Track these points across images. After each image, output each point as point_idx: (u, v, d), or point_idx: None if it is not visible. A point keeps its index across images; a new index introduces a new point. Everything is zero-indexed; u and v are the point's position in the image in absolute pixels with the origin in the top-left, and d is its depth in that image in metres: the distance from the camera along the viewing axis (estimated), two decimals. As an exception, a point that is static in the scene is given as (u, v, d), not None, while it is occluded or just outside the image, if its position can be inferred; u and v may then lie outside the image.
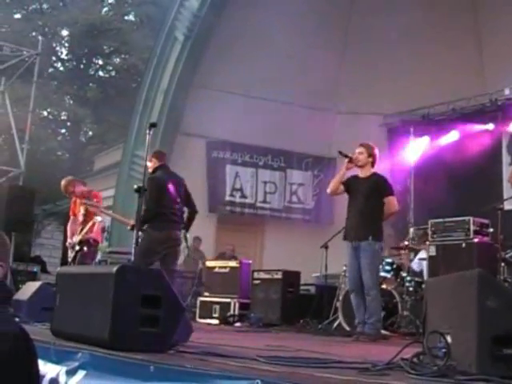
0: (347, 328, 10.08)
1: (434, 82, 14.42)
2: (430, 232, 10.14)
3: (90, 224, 9.35)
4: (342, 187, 8.66)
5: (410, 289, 10.18)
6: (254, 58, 14.41)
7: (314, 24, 14.74)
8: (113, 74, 32.54)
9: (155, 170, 8.67)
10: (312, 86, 15.26)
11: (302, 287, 12.10)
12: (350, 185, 8.63)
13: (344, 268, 11.24)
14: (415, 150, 15.26)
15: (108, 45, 30.79)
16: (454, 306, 3.97)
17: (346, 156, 8.59)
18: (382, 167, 15.44)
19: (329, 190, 8.90)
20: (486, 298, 3.56)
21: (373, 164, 8.69)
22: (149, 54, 17.12)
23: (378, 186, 8.52)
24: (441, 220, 10.06)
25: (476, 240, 9.56)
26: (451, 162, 13.77)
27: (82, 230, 9.46)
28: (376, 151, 8.72)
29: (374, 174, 8.66)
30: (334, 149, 15.89)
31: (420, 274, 10.51)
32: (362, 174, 8.67)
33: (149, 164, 8.52)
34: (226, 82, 14.64)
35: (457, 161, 13.74)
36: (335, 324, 10.45)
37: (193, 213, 9.08)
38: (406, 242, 11.23)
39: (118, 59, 32.02)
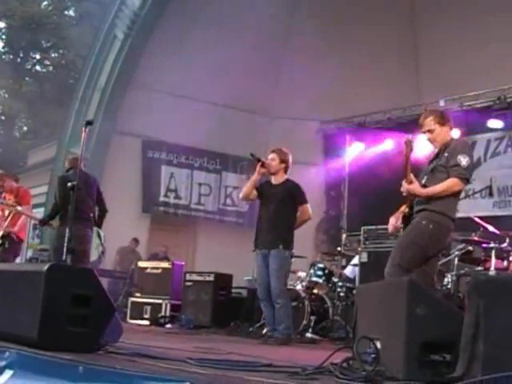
0: (278, 331, 10.12)
1: (371, 90, 14.57)
2: (362, 238, 10.24)
3: (11, 217, 9.30)
4: (254, 193, 8.51)
5: (342, 294, 10.28)
6: (193, 59, 14.34)
7: (254, 28, 14.73)
8: (50, 69, 32.06)
9: (69, 169, 8.81)
10: (250, 90, 15.27)
11: (233, 290, 12.10)
12: (263, 191, 8.50)
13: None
14: (350, 157, 15.40)
15: (46, 39, 30.31)
16: (383, 313, 4.02)
17: (259, 160, 8.42)
18: (316, 173, 15.83)
19: (241, 196, 8.80)
20: (415, 306, 3.61)
21: (286, 170, 8.54)
22: (87, 50, 16.91)
23: (292, 194, 8.39)
24: (373, 227, 10.18)
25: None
26: (385, 170, 13.89)
27: (5, 224, 9.41)
28: (289, 157, 8.57)
29: (288, 181, 8.52)
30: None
31: (353, 280, 10.60)
32: (275, 180, 8.54)
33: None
34: (164, 82, 14.53)
35: (391, 169, 13.87)
36: (266, 328, 10.46)
37: (103, 211, 9.00)
38: (339, 248, 11.33)
39: (55, 54, 31.56)
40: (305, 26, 15.19)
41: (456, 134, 13.48)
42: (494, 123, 13.21)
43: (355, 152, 15.35)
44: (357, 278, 10.22)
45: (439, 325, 3.65)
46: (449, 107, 13.74)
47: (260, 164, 8.39)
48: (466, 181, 6.00)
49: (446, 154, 6.06)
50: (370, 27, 15.03)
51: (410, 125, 14.00)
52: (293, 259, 8.51)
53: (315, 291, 10.64)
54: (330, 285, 10.64)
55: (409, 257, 6.00)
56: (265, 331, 8.37)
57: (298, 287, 10.52)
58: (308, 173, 15.45)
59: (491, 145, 13.56)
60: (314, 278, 10.75)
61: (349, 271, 11.02)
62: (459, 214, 12.73)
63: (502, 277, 7.21)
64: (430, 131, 6.23)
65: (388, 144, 14.54)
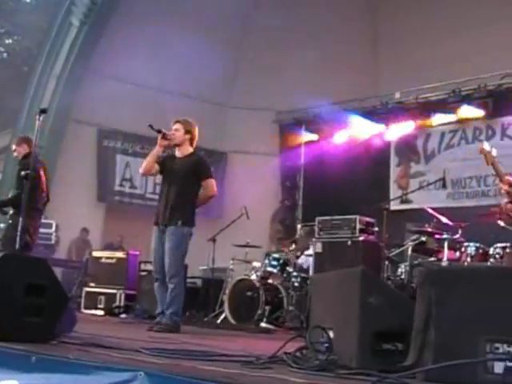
0: (233, 321, 10.17)
1: (328, 81, 14.60)
2: (317, 229, 10.29)
3: None
4: (157, 167, 7.91)
5: (296, 284, 10.31)
6: (151, 48, 14.28)
7: (213, 19, 14.70)
8: (4, 56, 31.53)
9: (26, 155, 8.49)
10: (206, 80, 15.23)
11: (188, 280, 12.07)
12: (165, 165, 7.94)
13: (231, 262, 11.33)
14: (306, 147, 15.45)
15: (0, 25, 29.79)
16: (337, 302, 4.05)
17: (159, 131, 7.82)
18: (272, 163, 15.88)
19: (141, 170, 8.15)
20: (368, 295, 3.65)
21: (191, 142, 8.00)
22: (43, 37, 16.67)
23: (195, 168, 7.82)
24: (328, 218, 10.23)
25: (361, 238, 9.78)
26: (341, 161, 14.02)
27: None
28: (195, 129, 8.01)
29: (193, 154, 8.00)
30: (226, 142, 16.11)
31: (307, 270, 10.65)
32: (179, 153, 7.99)
33: (16, 149, 8.69)
34: (120, 70, 14.40)
35: (346, 160, 14.01)
36: (221, 317, 10.49)
37: (47, 200, 8.76)
38: (294, 238, 11.39)
39: (10, 41, 31.04)
40: (265, 15, 15.17)
41: (410, 126, 13.77)
42: (449, 116, 13.34)
43: (311, 143, 15.38)
44: (311, 268, 10.27)
45: (392, 314, 3.69)
46: (404, 99, 13.93)
47: (161, 135, 7.83)
48: None
49: None
50: (331, 18, 15.08)
51: (367, 116, 14.16)
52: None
53: (270, 281, 10.67)
54: (285, 275, 10.69)
55: None
56: (157, 311, 7.70)
57: (253, 277, 10.55)
58: (264, 163, 15.57)
59: (445, 137, 13.72)
60: (269, 268, 10.80)
61: (303, 261, 11.06)
62: (413, 205, 13.05)
63: (453, 267, 7.30)
64: None
65: (344, 135, 14.62)
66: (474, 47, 13.44)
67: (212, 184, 7.91)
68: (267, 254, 11.24)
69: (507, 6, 13.26)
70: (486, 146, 6.16)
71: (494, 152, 6.15)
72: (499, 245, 9.21)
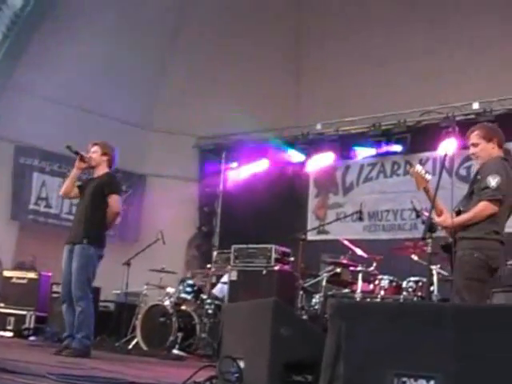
0: (145, 347, 10.09)
1: (251, 109, 14.63)
2: (232, 257, 10.32)
3: None
4: (76, 190, 7.98)
5: (210, 311, 10.30)
6: (72, 66, 14.12)
7: (137, 41, 14.63)
8: None
9: None
10: (128, 101, 15.13)
11: (101, 303, 11.94)
12: (84, 188, 7.98)
13: (145, 287, 11.25)
14: (225, 174, 15.42)
15: None
16: (249, 333, 4.07)
17: (77, 153, 7.85)
18: (191, 188, 15.85)
19: (60, 192, 8.22)
20: (279, 326, 3.68)
21: (109, 164, 8.05)
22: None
23: (102, 185, 7.81)
24: (244, 246, 10.29)
25: (277, 268, 9.85)
26: (260, 189, 14.04)
27: None
28: (114, 152, 8.09)
29: (106, 174, 7.98)
30: (146, 165, 16.00)
31: (222, 298, 10.65)
32: (96, 175, 8.02)
33: None
34: (40, 86, 14.17)
35: (265, 189, 14.03)
36: (133, 343, 10.39)
37: None
38: (209, 265, 11.37)
39: None
40: (189, 40, 15.20)
41: (330, 158, 13.94)
42: (368, 150, 13.55)
43: (231, 169, 15.36)
44: (226, 296, 10.28)
45: (303, 346, 3.73)
46: (325, 131, 14.11)
47: (79, 157, 7.84)
48: (498, 201, 5.75)
49: (478, 177, 5.96)
50: (255, 45, 15.17)
51: (288, 146, 14.27)
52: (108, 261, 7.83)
53: (183, 307, 10.64)
54: (199, 302, 10.68)
55: (471, 297, 5.63)
56: (64, 335, 7.57)
57: (167, 303, 10.48)
58: (183, 188, 15.52)
59: (364, 170, 13.90)
60: (183, 295, 10.77)
61: (218, 289, 11.07)
62: (329, 236, 13.18)
63: (363, 302, 7.42)
64: (473, 145, 6.07)
65: (264, 163, 14.68)
66: (396, 81, 13.74)
67: (115, 200, 7.81)
68: (182, 280, 11.21)
69: (430, 41, 13.62)
70: (419, 168, 6.20)
71: (429, 176, 6.21)
72: (412, 278, 9.41)
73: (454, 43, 13.44)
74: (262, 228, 13.40)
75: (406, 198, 11.93)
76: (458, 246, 5.82)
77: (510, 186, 5.82)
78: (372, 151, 13.53)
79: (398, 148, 13.22)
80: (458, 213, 5.94)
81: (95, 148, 7.98)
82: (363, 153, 13.64)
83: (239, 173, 15.07)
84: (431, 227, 5.75)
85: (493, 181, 5.72)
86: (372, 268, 9.83)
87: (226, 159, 15.41)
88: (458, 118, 12.11)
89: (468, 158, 11.97)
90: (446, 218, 5.91)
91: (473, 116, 12.02)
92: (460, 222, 5.84)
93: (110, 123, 14.78)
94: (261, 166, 14.72)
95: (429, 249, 5.98)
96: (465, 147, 11.42)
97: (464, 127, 10.94)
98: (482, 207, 5.74)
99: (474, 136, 6.07)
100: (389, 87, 13.73)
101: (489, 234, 5.73)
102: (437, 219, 5.91)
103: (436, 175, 6.39)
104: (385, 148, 13.35)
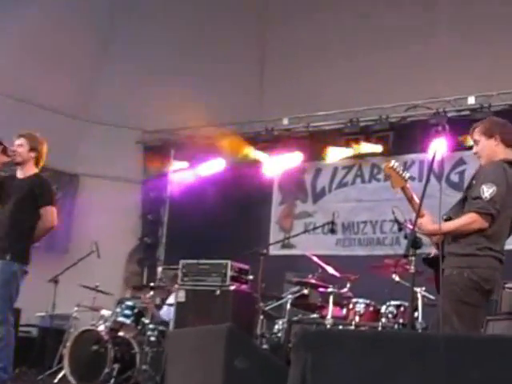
0: (73, 382, 9.97)
1: (206, 100, 14.40)
2: (180, 274, 10.28)
3: None
4: None
5: (152, 339, 10.23)
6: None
7: (77, 24, 14.53)
8: None
9: None
10: (61, 87, 14.95)
11: (21, 328, 11.83)
12: (5, 187, 7.76)
13: (76, 308, 11.16)
14: (175, 176, 15.32)
15: None
16: (198, 364, 4.04)
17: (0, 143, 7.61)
18: (133, 192, 15.74)
19: None
20: (234, 358, 3.65)
21: (37, 162, 7.85)
22: None
23: (34, 192, 7.61)
24: (194, 261, 10.27)
25: (233, 287, 9.86)
26: (215, 194, 13.93)
27: None
28: (43, 146, 7.86)
29: (35, 176, 7.79)
30: (80, 163, 15.80)
31: (168, 322, 10.60)
32: (21, 173, 7.77)
33: None
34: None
35: (221, 194, 13.91)
36: (59, 376, 10.31)
37: None
38: (153, 284, 11.31)
39: None
40: (135, 22, 15.09)
41: (298, 158, 13.93)
42: (343, 150, 13.54)
43: (180, 171, 15.26)
44: (172, 321, 10.23)
45: (261, 380, 3.71)
46: (293, 127, 14.11)
47: (1, 149, 7.60)
48: (489, 216, 5.73)
49: (473, 182, 5.96)
50: (213, 31, 15.08)
51: (249, 143, 14.20)
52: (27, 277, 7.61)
53: (121, 334, 10.56)
54: (140, 327, 10.58)
55: (462, 325, 5.62)
56: None
57: (101, 328, 10.40)
58: (123, 191, 15.36)
59: (338, 174, 13.89)
60: (121, 318, 10.67)
61: (163, 312, 11.02)
62: (296, 251, 13.18)
63: (334, 330, 7.41)
64: (475, 142, 6.11)
65: (219, 164, 14.61)
66: (377, 71, 13.77)
67: (52, 213, 7.67)
68: (120, 301, 11.12)
69: (417, 24, 13.67)
70: (395, 164, 6.19)
71: (407, 174, 6.20)
72: (393, 303, 9.43)
73: (446, 26, 13.54)
74: (217, 240, 13.35)
75: (386, 207, 11.70)
76: (445, 262, 5.83)
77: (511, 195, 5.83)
78: (348, 151, 13.52)
79: (378, 148, 13.24)
80: (448, 221, 5.94)
81: (21, 141, 7.76)
82: (337, 153, 13.63)
83: (190, 174, 14.98)
84: (415, 242, 5.70)
85: (487, 191, 5.72)
86: (345, 289, 9.85)
87: (174, 158, 15.35)
88: (449, 115, 12.20)
89: (461, 162, 12.10)
90: (425, 222, 5.91)
91: (467, 112, 12.12)
92: (448, 230, 5.85)
93: (37, 112, 14.60)
94: (216, 166, 14.65)
95: (412, 268, 5.99)
96: (457, 148, 11.72)
97: (457, 125, 11.18)
98: (470, 219, 5.76)
99: (476, 132, 6.11)
100: (369, 77, 13.74)
101: (482, 250, 5.74)
102: (420, 221, 5.87)
103: (423, 181, 6.39)
104: (363, 148, 13.36)
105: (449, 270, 5.78)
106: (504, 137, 6.02)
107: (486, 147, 6.01)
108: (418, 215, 5.89)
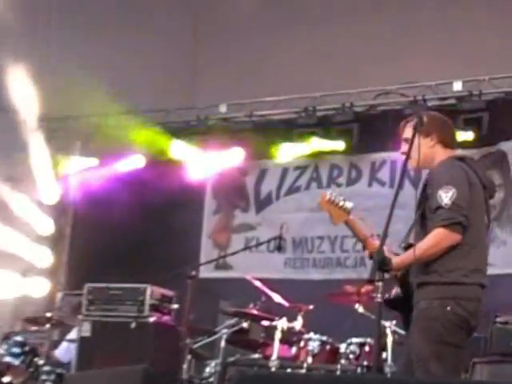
0: None
1: (124, 83, 14.30)
2: (85, 301, 10.21)
3: None
4: None
5: (48, 384, 10.15)
6: None
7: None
8: None
9: None
10: None
11: None
12: None
13: None
14: (80, 176, 15.15)
15: None
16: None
17: None
18: (29, 195, 15.59)
19: None
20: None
21: None
22: None
23: None
24: (104, 285, 10.21)
25: (153, 319, 9.83)
26: (131, 201, 13.72)
27: None
28: None
29: None
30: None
31: (68, 363, 10.54)
32: None
33: None
34: None
35: (139, 201, 13.72)
36: None
37: None
38: (50, 314, 11.21)
39: None
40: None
41: (238, 156, 13.87)
42: (296, 146, 13.53)
43: (87, 169, 15.14)
44: (73, 361, 10.16)
45: None
46: (232, 116, 14.06)
47: None
48: (459, 226, 5.72)
49: (429, 191, 5.92)
50: (149, 16, 15.16)
51: (179, 134, 14.09)
52: None
53: (7, 380, 10.45)
54: (32, 369, 10.49)
55: (440, 368, 5.62)
56: None
57: (-20, 371, 10.30)
58: (15, 193, 15.18)
59: (289, 176, 13.85)
60: (8, 358, 10.57)
61: (63, 350, 10.95)
62: (233, 274, 13.17)
63: (281, 373, 7.43)
64: (405, 141, 6.17)
65: (138, 162, 14.54)
66: (339, 47, 13.87)
67: None
68: (6, 337, 11.04)
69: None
70: (332, 194, 6.22)
71: (349, 204, 6.21)
72: (355, 340, 9.46)
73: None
74: (133, 259, 13.30)
75: (349, 218, 11.89)
76: (419, 294, 5.87)
77: (477, 194, 5.89)
78: (301, 148, 13.54)
79: (340, 145, 13.28)
80: (407, 248, 5.96)
81: None
82: (288, 150, 13.63)
83: (100, 175, 14.84)
84: (383, 264, 5.67)
85: (445, 197, 5.74)
86: (296, 323, 9.83)
87: (81, 153, 15.22)
88: (430, 104, 12.23)
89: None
90: (391, 254, 5.85)
91: (453, 101, 12.21)
92: (406, 261, 5.86)
93: None
94: (133, 164, 14.59)
95: (380, 296, 5.97)
96: None
97: None
98: (436, 237, 5.74)
99: (408, 128, 6.17)
100: (329, 56, 13.83)
101: (469, 277, 5.75)
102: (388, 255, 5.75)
103: (395, 186, 6.42)
104: (321, 144, 13.37)
105: (426, 301, 5.79)
106: (443, 137, 6.13)
107: (419, 147, 5.97)
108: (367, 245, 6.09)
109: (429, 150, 6.06)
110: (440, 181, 5.81)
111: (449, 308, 5.64)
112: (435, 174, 5.97)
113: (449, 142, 6.11)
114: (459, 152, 6.17)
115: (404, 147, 6.15)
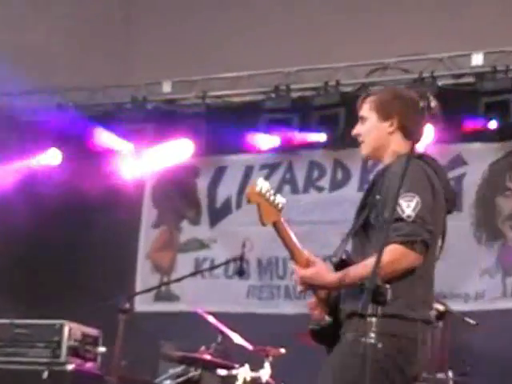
0: None
1: (47, 63, 14.32)
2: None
3: None
4: None
5: None
6: None
7: None
8: None
9: None
10: None
11: None
12: None
13: None
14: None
15: None
16: None
17: None
18: None
19: None
20: None
21: None
22: None
23: None
24: (7, 321, 10.11)
25: (71, 366, 9.75)
26: (45, 208, 13.68)
27: None
28: None
29: None
30: None
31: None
32: None
33: None
34: None
35: (54, 207, 13.69)
36: None
37: None
38: None
39: None
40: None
41: (186, 151, 13.70)
42: (263, 138, 13.48)
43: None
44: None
45: None
46: (179, 97, 13.98)
47: None
48: (421, 243, 5.54)
49: (378, 197, 5.81)
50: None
51: (105, 119, 13.95)
52: None
53: None
54: None
55: None
56: None
57: None
58: None
59: (254, 176, 13.70)
60: None
61: None
62: (180, 306, 13.06)
63: None
64: (361, 118, 6.10)
65: (53, 156, 14.46)
66: (319, 15, 13.96)
67: None
68: None
69: None
70: (263, 185, 5.96)
71: (282, 199, 6.01)
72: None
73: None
74: (46, 284, 13.16)
75: (332, 232, 11.62)
76: (345, 326, 5.78)
77: (439, 206, 5.78)
78: (271, 140, 13.49)
79: (320, 137, 13.22)
80: (340, 266, 5.83)
81: None
82: (253, 142, 13.56)
83: (7, 173, 14.70)
84: (378, 294, 5.40)
85: (407, 207, 5.58)
86: (262, 372, 9.73)
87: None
88: (441, 82, 12.21)
89: (459, 161, 12.09)
90: (318, 273, 5.84)
91: (471, 79, 12.12)
92: (347, 281, 5.69)
93: None
94: (45, 161, 14.48)
95: (373, 336, 5.75)
96: (453, 139, 11.72)
97: (454, 99, 11.18)
98: (393, 256, 5.52)
99: (366, 105, 6.12)
100: (308, 21, 13.76)
101: (416, 310, 5.65)
102: (300, 273, 5.87)
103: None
104: (296, 135, 13.30)
105: (351, 334, 5.66)
106: (405, 122, 5.99)
107: (374, 130, 6.01)
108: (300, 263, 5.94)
109: (383, 137, 6.00)
110: (398, 185, 5.44)
111: (380, 346, 5.34)
112: (390, 174, 5.78)
113: (412, 132, 5.87)
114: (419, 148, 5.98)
115: (358, 127, 6.11)
